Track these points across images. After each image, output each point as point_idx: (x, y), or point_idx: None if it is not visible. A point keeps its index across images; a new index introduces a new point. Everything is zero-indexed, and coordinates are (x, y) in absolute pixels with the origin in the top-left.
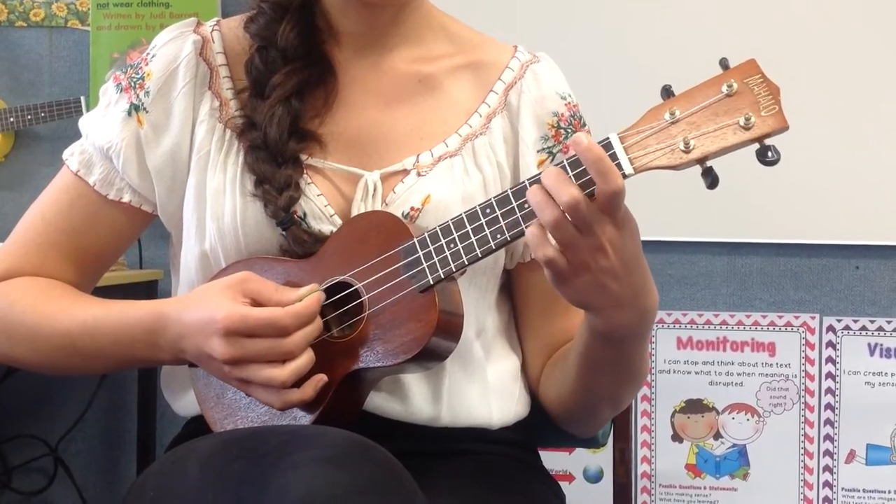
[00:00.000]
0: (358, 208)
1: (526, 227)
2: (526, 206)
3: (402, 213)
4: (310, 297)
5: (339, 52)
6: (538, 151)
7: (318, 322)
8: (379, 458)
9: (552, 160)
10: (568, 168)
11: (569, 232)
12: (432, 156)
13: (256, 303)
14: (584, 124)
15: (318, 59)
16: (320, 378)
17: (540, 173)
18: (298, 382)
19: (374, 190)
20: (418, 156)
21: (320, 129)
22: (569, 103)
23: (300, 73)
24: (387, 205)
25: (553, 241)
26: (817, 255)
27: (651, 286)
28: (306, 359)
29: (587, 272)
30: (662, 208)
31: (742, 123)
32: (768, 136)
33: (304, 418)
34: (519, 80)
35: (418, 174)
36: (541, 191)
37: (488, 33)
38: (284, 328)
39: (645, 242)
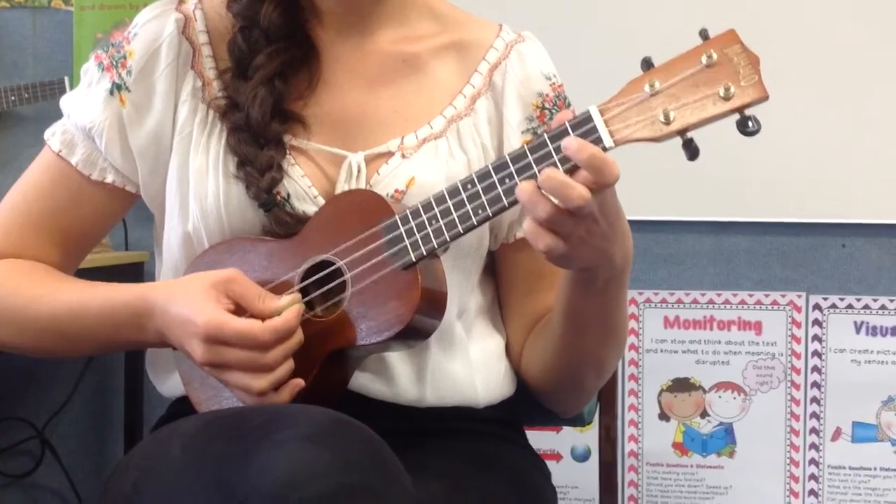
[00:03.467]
0: (342, 190)
1: (525, 229)
2: (507, 180)
3: (386, 196)
4: (289, 310)
5: (322, 32)
6: (523, 132)
7: (299, 335)
8: (361, 437)
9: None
10: (549, 142)
11: (565, 221)
12: (417, 138)
13: (239, 307)
14: (569, 104)
15: (302, 40)
16: (297, 383)
17: (521, 149)
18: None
19: (358, 171)
20: (403, 138)
21: (304, 110)
22: (553, 84)
23: (283, 54)
24: (371, 186)
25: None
26: (804, 233)
27: (627, 227)
28: (284, 370)
29: (583, 244)
30: (649, 188)
31: (722, 94)
32: (748, 106)
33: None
34: (503, 60)
35: (402, 156)
36: (531, 187)
37: (473, 11)
38: (262, 343)
39: (632, 221)
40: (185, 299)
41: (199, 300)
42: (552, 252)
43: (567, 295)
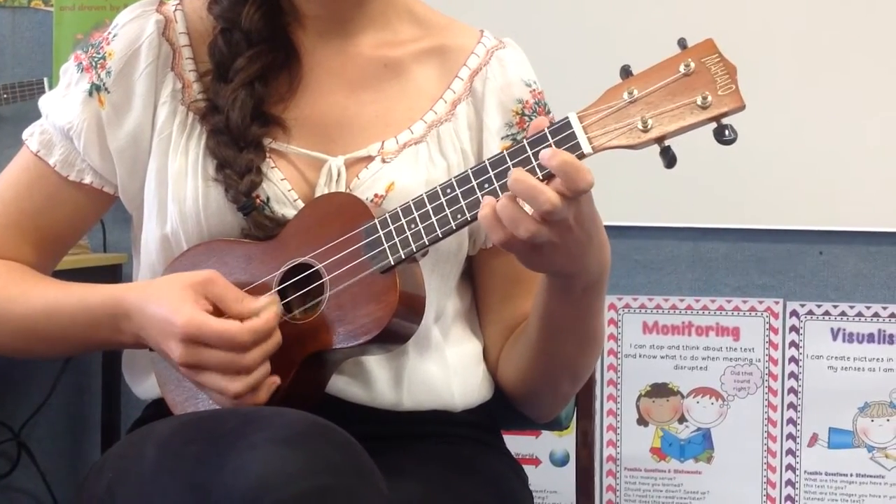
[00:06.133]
0: (321, 193)
1: (479, 216)
2: (486, 185)
3: (366, 200)
4: (268, 311)
5: (303, 35)
6: (502, 138)
7: (277, 336)
8: (337, 440)
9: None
10: (528, 147)
11: (542, 233)
12: (397, 142)
13: (217, 309)
14: (549, 111)
15: (283, 43)
16: (273, 381)
17: (501, 154)
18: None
19: (338, 175)
20: (383, 142)
21: (284, 113)
22: (533, 90)
23: (264, 57)
24: (351, 190)
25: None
26: (781, 240)
27: (606, 239)
28: (261, 373)
29: (555, 249)
30: (629, 194)
31: (699, 103)
32: (725, 115)
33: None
34: (484, 66)
35: (383, 161)
36: (512, 204)
37: (454, 16)
38: (241, 344)
39: (611, 228)
40: (163, 300)
41: (178, 300)
42: (520, 252)
43: (543, 301)
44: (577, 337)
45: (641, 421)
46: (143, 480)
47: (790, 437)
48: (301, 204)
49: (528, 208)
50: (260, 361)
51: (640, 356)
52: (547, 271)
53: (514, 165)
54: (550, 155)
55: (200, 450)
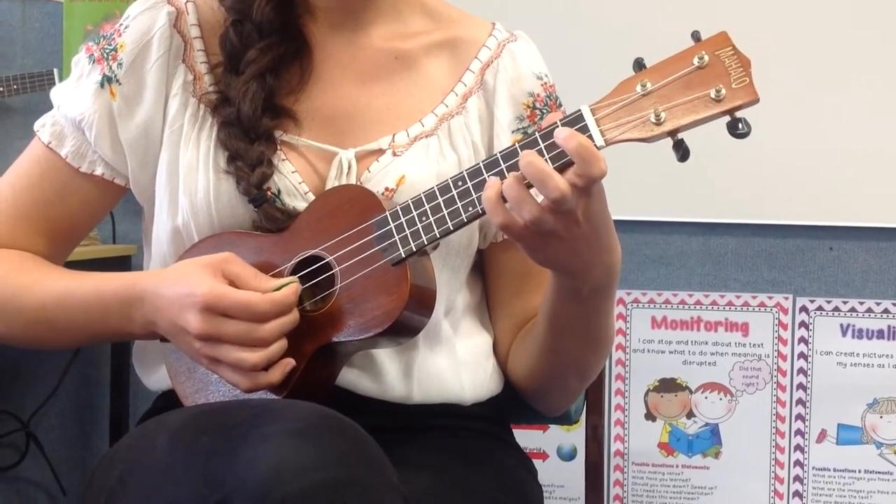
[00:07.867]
0: (332, 186)
1: (483, 197)
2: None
3: (377, 194)
4: (288, 286)
5: (314, 27)
6: (513, 132)
7: (295, 313)
8: (348, 432)
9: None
10: (540, 140)
11: (547, 221)
12: (408, 135)
13: (235, 286)
14: (560, 105)
15: (294, 35)
16: (288, 362)
17: (513, 146)
18: (267, 365)
19: (349, 168)
20: (394, 135)
21: (295, 105)
22: (545, 83)
23: (275, 49)
24: (361, 184)
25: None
26: (791, 235)
27: (616, 242)
28: (278, 347)
29: (560, 241)
30: (638, 188)
31: (713, 96)
32: (739, 108)
33: (275, 392)
34: (496, 59)
35: (394, 154)
36: (518, 185)
37: (466, 9)
38: (261, 314)
39: (621, 222)
40: (179, 280)
41: (197, 276)
42: (524, 240)
43: (550, 300)
44: (585, 337)
45: (649, 416)
46: (155, 471)
47: (798, 433)
48: (312, 196)
49: (538, 198)
50: (277, 335)
51: (648, 351)
52: (552, 266)
53: None
54: (567, 136)
55: (213, 441)
